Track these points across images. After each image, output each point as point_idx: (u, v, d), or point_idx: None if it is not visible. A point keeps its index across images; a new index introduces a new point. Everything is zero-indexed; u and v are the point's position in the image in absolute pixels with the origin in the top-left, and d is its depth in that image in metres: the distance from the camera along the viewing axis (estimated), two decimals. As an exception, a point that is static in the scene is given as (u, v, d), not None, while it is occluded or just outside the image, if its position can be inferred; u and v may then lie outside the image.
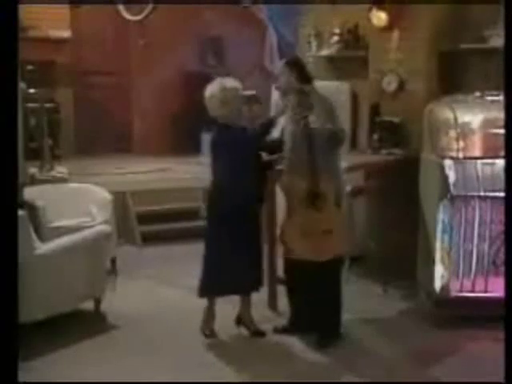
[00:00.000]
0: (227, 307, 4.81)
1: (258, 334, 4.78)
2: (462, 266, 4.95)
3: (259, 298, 4.92)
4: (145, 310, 5.37)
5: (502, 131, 4.28)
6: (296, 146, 4.63)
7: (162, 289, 5.92)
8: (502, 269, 4.54)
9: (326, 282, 4.64)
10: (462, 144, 4.94)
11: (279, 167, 4.89)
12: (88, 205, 6.12)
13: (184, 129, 10.44)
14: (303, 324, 4.79)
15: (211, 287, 4.75)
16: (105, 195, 6.34)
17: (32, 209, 5.26)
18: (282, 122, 4.85)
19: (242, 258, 4.64)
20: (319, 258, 4.50)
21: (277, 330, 4.83)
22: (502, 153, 4.21)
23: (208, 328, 4.77)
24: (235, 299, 4.82)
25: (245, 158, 4.64)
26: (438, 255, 4.98)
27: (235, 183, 4.59)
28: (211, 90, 4.67)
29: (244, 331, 4.82)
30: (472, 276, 4.95)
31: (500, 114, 4.40)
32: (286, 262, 4.84)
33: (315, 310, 4.69)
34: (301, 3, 7.47)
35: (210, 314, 4.79)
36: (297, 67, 4.82)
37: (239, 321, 4.87)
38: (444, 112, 5.07)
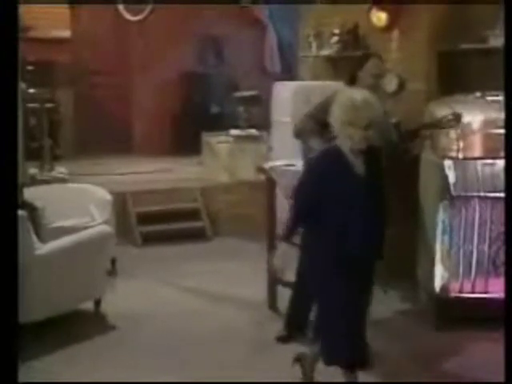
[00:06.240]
0: (226, 309, 4.80)
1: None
2: (462, 266, 4.94)
3: (258, 298, 4.92)
4: (145, 310, 5.36)
5: (502, 131, 4.28)
6: None
7: (161, 289, 5.91)
8: (502, 269, 4.54)
9: None
10: (462, 144, 4.94)
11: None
12: (88, 205, 6.11)
13: (184, 129, 10.43)
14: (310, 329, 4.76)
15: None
16: (105, 195, 6.34)
17: (32, 209, 5.24)
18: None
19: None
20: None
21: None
22: (502, 153, 4.21)
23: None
24: (243, 301, 4.81)
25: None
26: (438, 256, 4.97)
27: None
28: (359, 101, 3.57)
29: (244, 331, 4.83)
30: (472, 277, 4.94)
31: (500, 114, 4.40)
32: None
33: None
34: (301, 3, 7.47)
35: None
36: None
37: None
38: (444, 112, 5.06)
